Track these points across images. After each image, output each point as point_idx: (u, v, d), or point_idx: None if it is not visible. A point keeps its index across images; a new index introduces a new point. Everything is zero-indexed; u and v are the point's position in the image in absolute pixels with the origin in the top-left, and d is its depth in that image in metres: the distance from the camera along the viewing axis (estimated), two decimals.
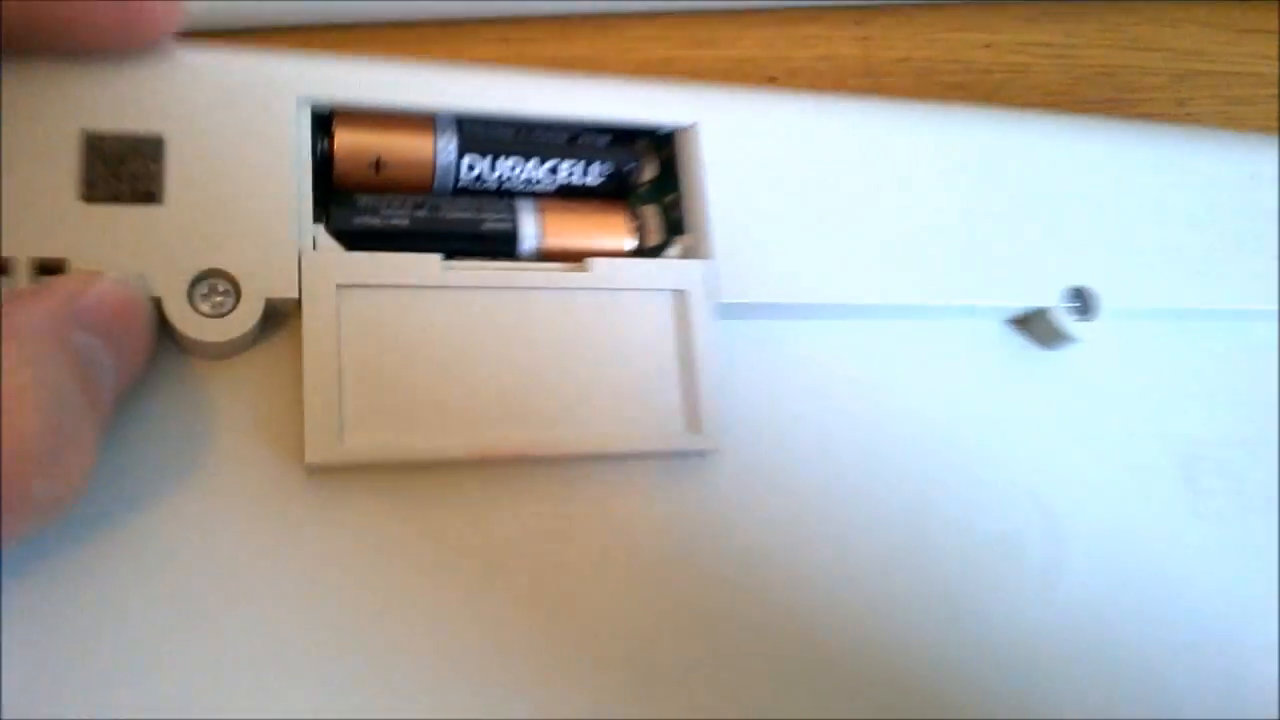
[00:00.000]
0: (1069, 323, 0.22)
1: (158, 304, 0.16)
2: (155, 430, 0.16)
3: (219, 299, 0.16)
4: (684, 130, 0.20)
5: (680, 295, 0.19)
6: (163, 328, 0.16)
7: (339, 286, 0.17)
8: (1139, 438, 0.23)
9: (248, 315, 0.16)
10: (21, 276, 0.15)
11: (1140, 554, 0.22)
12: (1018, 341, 0.23)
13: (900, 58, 0.32)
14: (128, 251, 0.16)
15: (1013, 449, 0.22)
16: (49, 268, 0.16)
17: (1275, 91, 0.33)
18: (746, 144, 0.20)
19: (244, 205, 0.17)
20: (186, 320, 0.16)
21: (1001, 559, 0.21)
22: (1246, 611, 0.22)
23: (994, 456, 0.21)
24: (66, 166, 0.16)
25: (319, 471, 0.16)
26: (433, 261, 0.17)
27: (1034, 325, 0.22)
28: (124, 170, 0.16)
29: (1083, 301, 0.22)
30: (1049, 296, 0.22)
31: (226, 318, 0.16)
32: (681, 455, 0.19)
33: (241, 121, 0.17)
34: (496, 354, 0.17)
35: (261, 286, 0.16)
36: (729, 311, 0.19)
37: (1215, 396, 0.24)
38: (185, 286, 0.16)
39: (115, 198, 0.16)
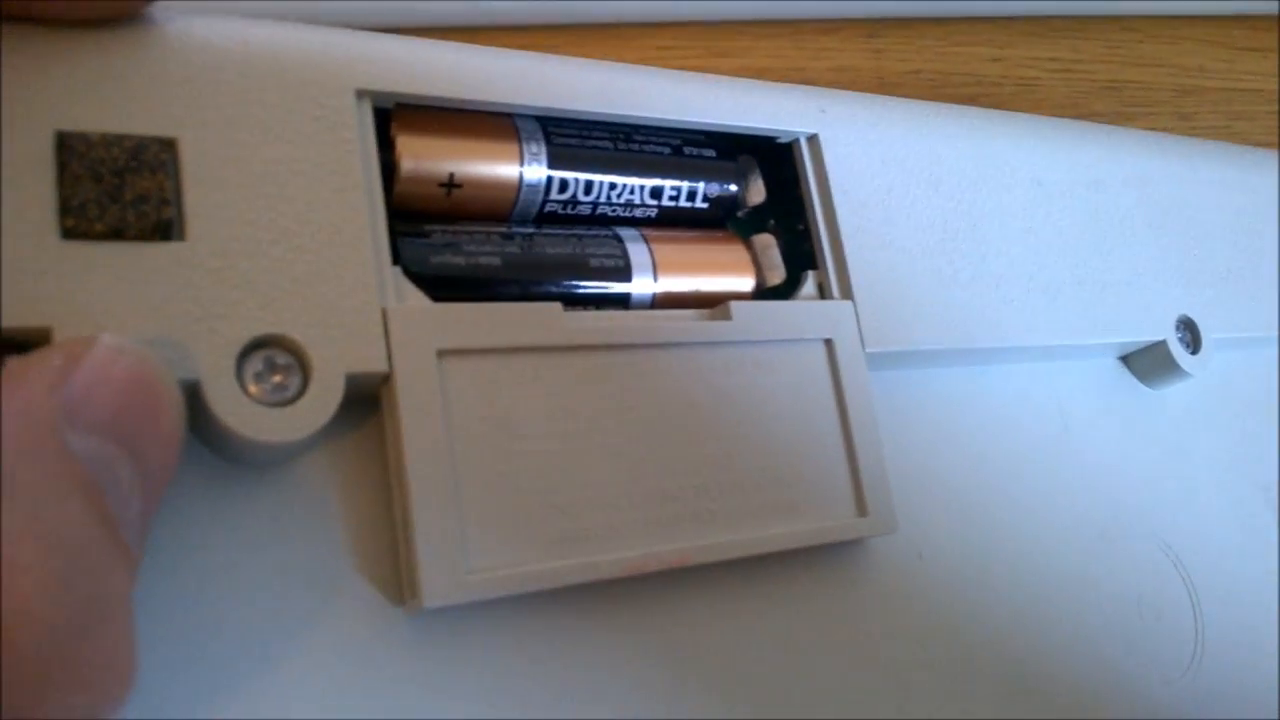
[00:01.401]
0: (1183, 355, 0.20)
1: (191, 389, 0.11)
2: (194, 565, 0.11)
3: (278, 379, 0.11)
4: (808, 139, 0.16)
5: (830, 345, 0.15)
6: (194, 417, 0.11)
7: (440, 353, 0.12)
8: (1240, 476, 0.21)
9: (324, 399, 0.11)
10: None
11: (1249, 593, 0.20)
12: (1126, 379, 0.20)
13: (912, 70, 0.30)
14: (138, 312, 0.10)
15: (1140, 498, 0.19)
16: (18, 344, 0.10)
17: (1274, 107, 0.33)
18: (876, 159, 0.17)
19: (298, 240, 0.11)
20: (237, 410, 0.11)
21: (1145, 623, 0.18)
22: None
23: (1125, 507, 0.19)
24: (37, 185, 0.10)
25: (436, 614, 0.12)
26: (554, 312, 0.13)
27: (1141, 360, 0.20)
28: (125, 190, 0.11)
29: (1191, 334, 0.20)
30: (1163, 330, 0.20)
31: (291, 407, 0.11)
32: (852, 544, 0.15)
33: (285, 121, 0.12)
34: (637, 428, 0.13)
35: (338, 356, 0.11)
36: (875, 362, 0.16)
37: None
38: (232, 361, 0.11)
39: (115, 231, 0.11)
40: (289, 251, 0.11)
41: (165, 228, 0.11)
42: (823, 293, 0.16)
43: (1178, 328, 0.20)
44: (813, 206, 0.16)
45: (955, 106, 0.19)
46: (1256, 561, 0.20)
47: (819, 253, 0.16)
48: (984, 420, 0.18)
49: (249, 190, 0.11)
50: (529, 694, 0.12)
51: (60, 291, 0.10)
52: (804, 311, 0.15)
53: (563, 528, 0.12)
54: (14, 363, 0.09)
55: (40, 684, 0.08)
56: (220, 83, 0.12)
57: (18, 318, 0.10)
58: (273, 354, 0.11)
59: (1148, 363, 0.20)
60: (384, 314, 0.12)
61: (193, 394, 0.10)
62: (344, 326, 0.11)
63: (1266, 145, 0.31)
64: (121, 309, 0.10)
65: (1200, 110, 0.32)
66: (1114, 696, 0.17)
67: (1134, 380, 0.20)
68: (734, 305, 0.14)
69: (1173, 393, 0.21)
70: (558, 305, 0.13)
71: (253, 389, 0.11)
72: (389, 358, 0.11)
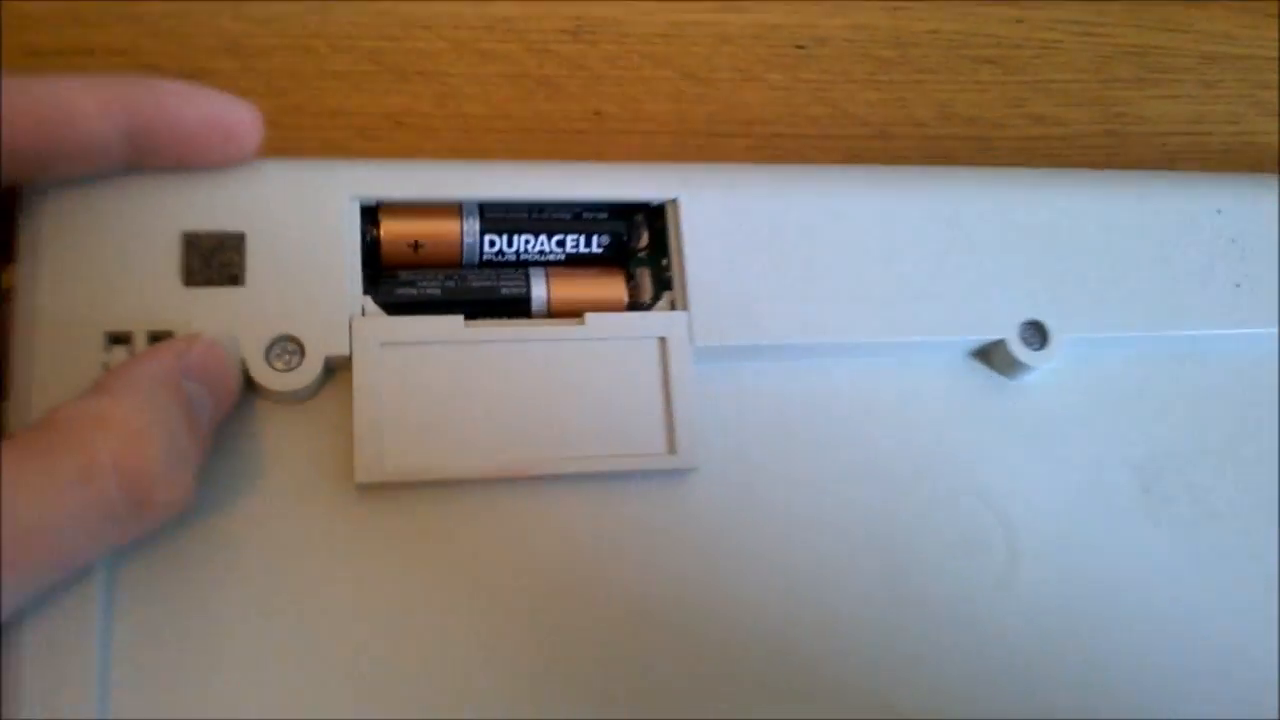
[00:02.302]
0: (1024, 351, 0.24)
1: (242, 363, 0.21)
2: (239, 458, 0.22)
3: (289, 357, 0.21)
4: (668, 204, 0.24)
5: (663, 342, 0.23)
6: (246, 380, 0.21)
7: (382, 344, 0.22)
8: (1098, 453, 0.25)
9: (310, 370, 0.21)
10: (139, 343, 0.21)
11: (1095, 558, 0.24)
12: (983, 372, 0.25)
13: (931, 30, 0.34)
14: (218, 323, 0.21)
15: (974, 466, 0.24)
16: (158, 336, 0.21)
17: None
18: (723, 213, 0.24)
19: (308, 283, 0.22)
20: (265, 375, 0.21)
21: (960, 564, 0.24)
22: (1203, 611, 0.24)
23: (955, 472, 0.24)
24: (170, 259, 0.21)
25: (366, 490, 0.22)
26: (456, 322, 0.22)
27: (995, 356, 0.25)
28: (215, 260, 0.21)
29: (1039, 333, 0.25)
30: (1006, 330, 0.25)
31: (294, 372, 0.21)
32: (664, 474, 0.23)
33: (306, 217, 0.22)
34: (509, 394, 0.22)
35: (321, 347, 0.21)
36: (706, 355, 0.23)
37: (1175, 414, 0.26)
38: (263, 349, 0.21)
39: (208, 281, 0.21)
40: (302, 290, 0.21)
41: (234, 279, 0.21)
42: (674, 307, 0.24)
43: (1022, 328, 0.25)
44: (671, 246, 0.24)
45: (816, 168, 0.26)
46: (1095, 522, 0.25)
47: (675, 278, 0.24)
48: (822, 401, 0.24)
49: (283, 258, 0.22)
50: (414, 553, 0.22)
51: (180, 311, 0.21)
52: (643, 319, 0.23)
53: (449, 447, 0.22)
54: (155, 345, 0.21)
55: (153, 479, 0.19)
56: (271, 197, 0.22)
57: (157, 323, 0.21)
58: (286, 344, 0.21)
59: (998, 359, 0.25)
60: (350, 322, 0.22)
61: (243, 365, 0.21)
62: (326, 329, 0.21)
63: None
64: (210, 320, 0.21)
65: (1225, 78, 0.33)
66: (912, 624, 0.23)
67: (992, 373, 0.25)
68: (589, 315, 0.23)
69: (1042, 384, 0.25)
70: (459, 318, 0.22)
71: (276, 365, 0.21)
72: (350, 347, 0.22)
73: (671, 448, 0.23)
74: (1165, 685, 0.24)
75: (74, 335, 0.20)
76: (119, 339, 0.21)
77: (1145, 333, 0.25)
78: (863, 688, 0.23)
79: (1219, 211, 0.27)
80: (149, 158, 0.21)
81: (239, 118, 0.21)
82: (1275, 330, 0.26)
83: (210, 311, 0.21)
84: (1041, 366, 0.25)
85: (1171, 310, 0.26)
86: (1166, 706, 0.24)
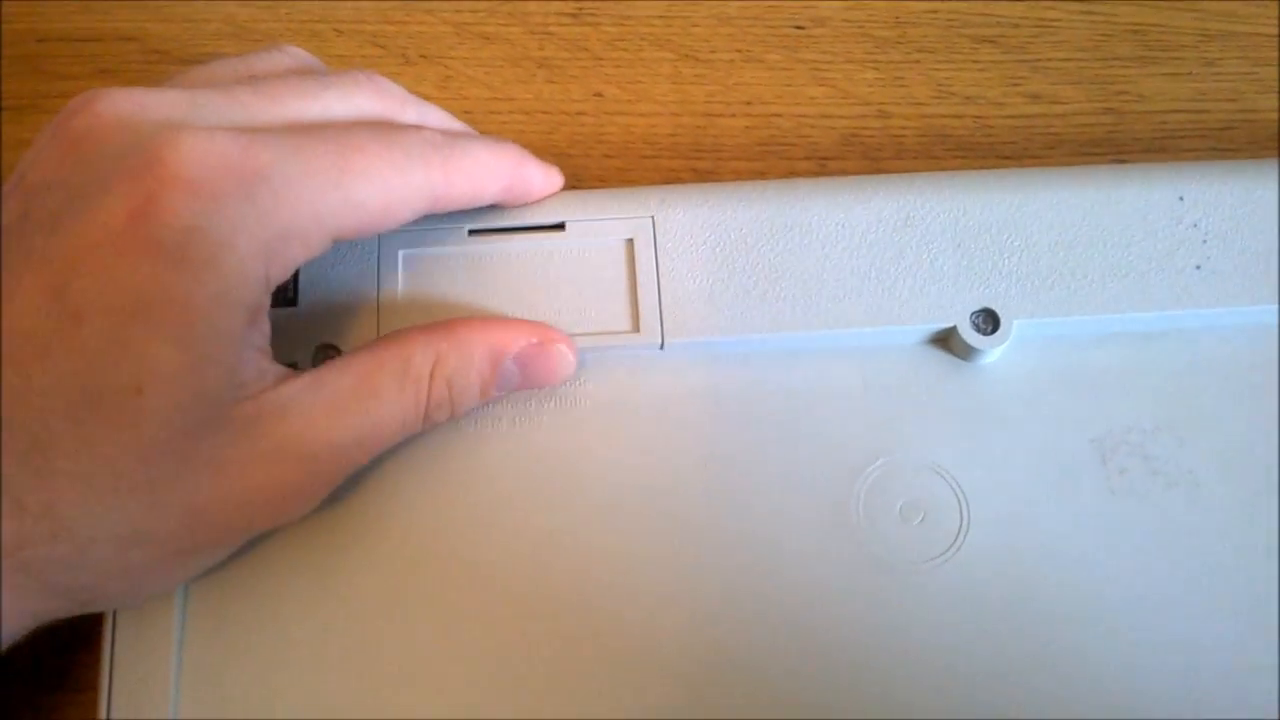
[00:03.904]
0: (974, 336, 0.26)
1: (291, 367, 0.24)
2: None
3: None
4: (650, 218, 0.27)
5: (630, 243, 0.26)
6: None
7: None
8: (1056, 428, 0.26)
9: None
10: None
11: (1053, 526, 0.25)
12: (942, 358, 0.27)
13: (929, 9, 0.34)
14: (276, 338, 0.23)
15: (932, 442, 0.26)
16: None
17: None
18: (693, 228, 0.27)
19: (344, 302, 0.26)
20: None
21: (916, 532, 0.25)
22: (1161, 578, 0.25)
23: (914, 447, 0.26)
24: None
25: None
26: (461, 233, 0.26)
27: (952, 343, 0.26)
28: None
29: (990, 319, 0.26)
30: (958, 318, 0.26)
31: None
32: (633, 349, 0.26)
33: (341, 250, 0.26)
34: (509, 291, 0.26)
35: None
36: (679, 351, 0.26)
37: (1134, 392, 0.27)
38: (310, 356, 0.25)
39: (271, 303, 0.23)
40: (339, 311, 0.25)
41: (292, 301, 0.25)
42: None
43: (974, 316, 0.26)
44: (649, 261, 0.26)
45: (774, 183, 0.27)
46: (1052, 493, 0.25)
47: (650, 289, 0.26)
48: (786, 385, 0.26)
49: (321, 286, 0.25)
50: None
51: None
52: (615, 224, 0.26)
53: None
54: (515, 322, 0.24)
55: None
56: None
57: None
58: (327, 351, 0.25)
59: (955, 345, 0.26)
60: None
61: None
62: (357, 338, 0.24)
63: None
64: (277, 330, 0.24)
65: (1226, 55, 0.33)
66: (868, 589, 0.24)
67: (951, 358, 0.26)
68: (569, 224, 0.26)
69: (1003, 366, 0.26)
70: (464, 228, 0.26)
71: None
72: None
73: (636, 328, 0.26)
74: (1121, 650, 0.24)
75: None
76: None
77: (1100, 315, 0.26)
78: (819, 652, 0.24)
79: (1181, 198, 0.27)
80: None
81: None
82: (1234, 308, 0.26)
83: (271, 326, 0.24)
84: (992, 349, 0.26)
85: (1130, 294, 0.26)
86: (1123, 671, 0.24)
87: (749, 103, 0.32)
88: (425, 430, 0.23)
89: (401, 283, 0.26)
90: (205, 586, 0.24)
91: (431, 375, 0.22)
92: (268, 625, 0.24)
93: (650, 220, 0.26)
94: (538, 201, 0.26)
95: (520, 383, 0.24)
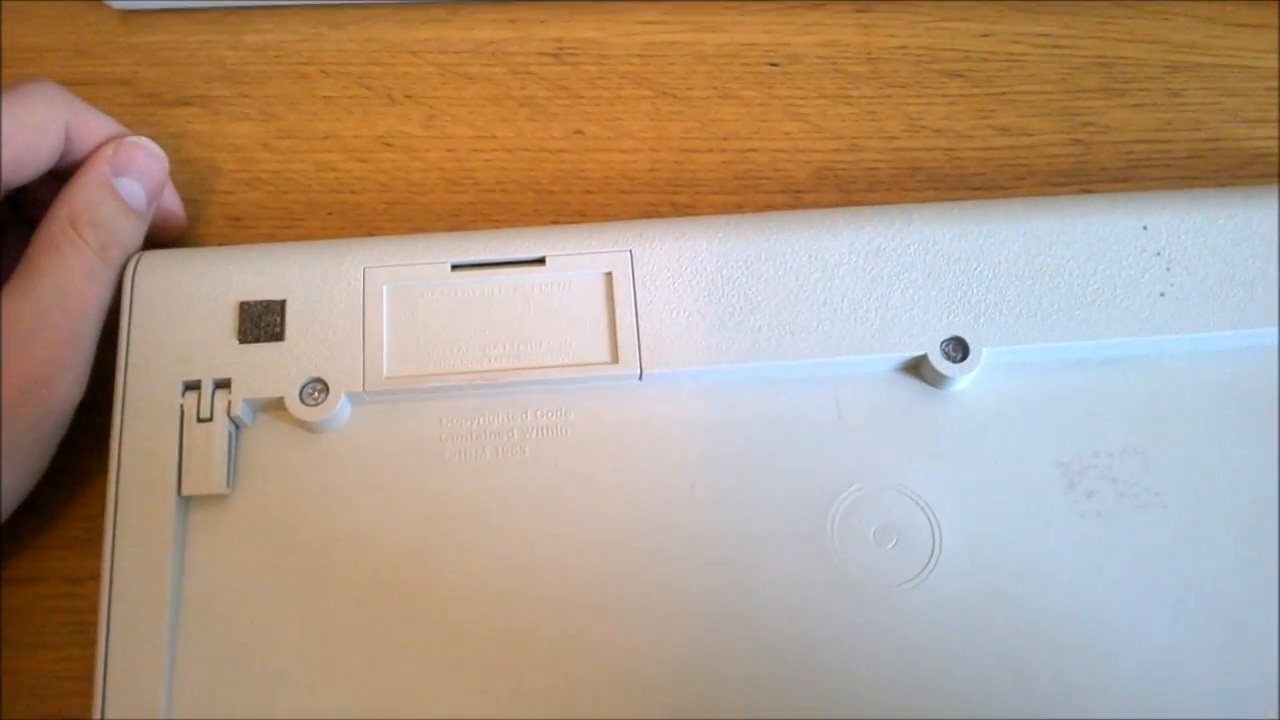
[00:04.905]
0: (944, 364, 0.26)
1: (279, 401, 0.26)
2: (278, 485, 0.26)
3: (317, 395, 0.26)
4: (629, 251, 0.28)
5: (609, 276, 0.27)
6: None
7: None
8: (1024, 452, 0.27)
9: (333, 404, 0.26)
10: (206, 390, 0.26)
11: (1021, 547, 0.26)
12: (913, 385, 0.27)
13: (900, 45, 0.35)
14: (264, 371, 0.26)
15: (902, 465, 0.26)
16: (222, 384, 0.26)
17: (1269, 84, 0.34)
18: (670, 260, 0.28)
19: (332, 338, 0.26)
20: (298, 410, 0.26)
21: (887, 554, 0.25)
22: (1129, 598, 0.25)
23: (884, 471, 0.26)
24: (228, 322, 0.26)
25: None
26: (444, 269, 0.27)
27: (923, 370, 0.27)
28: (262, 322, 0.26)
29: (959, 347, 0.27)
30: (928, 346, 0.27)
31: (320, 406, 0.26)
32: (612, 379, 0.26)
33: (330, 287, 0.27)
34: (491, 324, 0.27)
35: (341, 386, 0.26)
36: (656, 381, 0.26)
37: (1100, 416, 0.27)
38: (298, 390, 0.26)
39: (257, 339, 0.26)
40: (325, 342, 0.25)
41: (277, 336, 0.26)
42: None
43: (944, 344, 0.27)
44: (627, 292, 0.27)
45: (748, 217, 0.28)
46: (1020, 515, 0.26)
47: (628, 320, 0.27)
48: (762, 411, 0.26)
49: (310, 319, 0.26)
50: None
51: (236, 364, 0.26)
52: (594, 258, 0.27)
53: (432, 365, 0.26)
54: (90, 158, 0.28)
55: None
56: (305, 271, 0.26)
57: (221, 374, 0.26)
58: (315, 385, 0.26)
59: (926, 372, 0.27)
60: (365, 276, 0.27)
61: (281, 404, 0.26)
62: (345, 373, 0.25)
63: (1257, 121, 0.34)
64: (259, 368, 0.25)
65: (1190, 86, 0.34)
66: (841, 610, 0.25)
67: (923, 385, 0.27)
68: (550, 259, 0.27)
69: (973, 393, 0.27)
70: (447, 264, 0.27)
71: (307, 402, 0.25)
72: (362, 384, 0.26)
73: (615, 358, 0.26)
74: (1089, 666, 0.25)
75: (157, 382, 0.26)
76: (191, 386, 0.26)
77: (1067, 342, 0.27)
78: (797, 674, 0.25)
79: (1145, 227, 0.28)
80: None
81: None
82: (1197, 334, 0.27)
83: (259, 362, 0.26)
84: (962, 376, 0.27)
85: (1096, 321, 0.27)
86: (1095, 689, 0.25)
87: (725, 138, 0.33)
88: (117, 271, 0.27)
89: (386, 316, 0.27)
90: (198, 589, 0.25)
91: (76, 229, 0.26)
92: (260, 628, 0.24)
93: (629, 254, 0.27)
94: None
95: (150, 186, 0.28)
